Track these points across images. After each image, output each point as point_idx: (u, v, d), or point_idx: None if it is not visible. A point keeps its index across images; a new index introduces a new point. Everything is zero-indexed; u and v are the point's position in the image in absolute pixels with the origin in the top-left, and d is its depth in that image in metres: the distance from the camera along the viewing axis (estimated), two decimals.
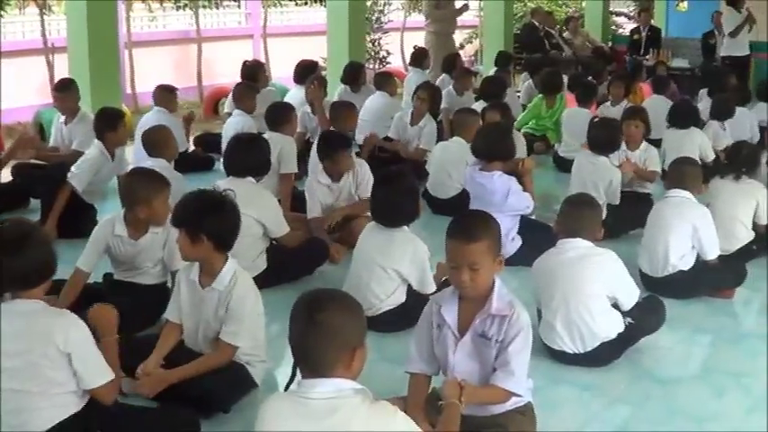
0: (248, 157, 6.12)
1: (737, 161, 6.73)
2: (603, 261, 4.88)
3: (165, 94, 9.38)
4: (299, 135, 9.34)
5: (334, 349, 2.81)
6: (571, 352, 4.84)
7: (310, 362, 2.83)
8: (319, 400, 2.79)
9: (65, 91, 8.49)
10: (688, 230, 5.86)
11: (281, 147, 7.38)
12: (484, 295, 3.77)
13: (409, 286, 5.29)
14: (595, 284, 4.80)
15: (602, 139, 7.30)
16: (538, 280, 5.00)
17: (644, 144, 7.89)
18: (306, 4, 19.94)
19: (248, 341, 4.40)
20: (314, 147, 8.20)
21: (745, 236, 6.59)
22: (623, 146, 7.83)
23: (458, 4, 15.66)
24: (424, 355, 3.93)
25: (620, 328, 4.88)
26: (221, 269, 4.36)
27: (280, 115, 7.85)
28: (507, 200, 6.38)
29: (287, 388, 3.04)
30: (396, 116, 9.67)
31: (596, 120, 7.80)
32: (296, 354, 2.88)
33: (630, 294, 4.95)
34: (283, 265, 6.03)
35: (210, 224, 4.31)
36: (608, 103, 10.90)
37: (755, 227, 6.64)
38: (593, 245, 4.92)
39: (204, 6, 16.27)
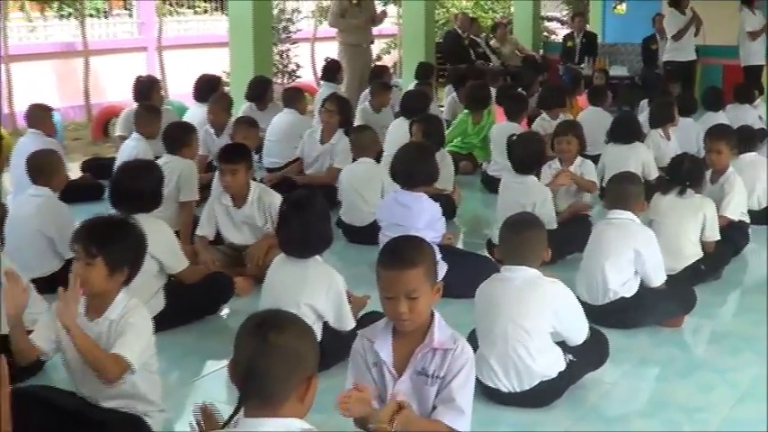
0: (135, 188, 5.90)
1: (679, 175, 6.78)
2: (553, 292, 4.83)
3: (40, 113, 9.04)
4: (201, 158, 9.25)
5: (291, 376, 2.77)
6: (506, 390, 4.80)
7: (262, 391, 2.76)
8: None
9: None
10: (630, 256, 5.84)
11: (181, 171, 7.31)
12: (422, 328, 3.76)
13: (325, 324, 5.22)
14: (542, 318, 4.74)
15: (526, 157, 7.29)
16: (478, 307, 4.93)
17: (578, 159, 7.92)
18: (206, 12, 19.88)
19: (143, 378, 4.28)
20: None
21: (694, 253, 6.67)
22: (557, 163, 7.90)
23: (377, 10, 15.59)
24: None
25: (561, 366, 4.84)
26: (114, 299, 4.28)
27: (179, 137, 7.75)
28: (435, 224, 6.39)
29: (225, 425, 2.96)
30: (305, 134, 9.60)
31: (514, 137, 7.73)
32: (243, 382, 2.80)
33: (580, 330, 4.92)
34: (183, 304, 5.94)
35: (132, 252, 4.34)
36: (544, 116, 10.83)
37: (703, 245, 6.72)
38: (541, 273, 4.86)
39: (91, 15, 16.08)
